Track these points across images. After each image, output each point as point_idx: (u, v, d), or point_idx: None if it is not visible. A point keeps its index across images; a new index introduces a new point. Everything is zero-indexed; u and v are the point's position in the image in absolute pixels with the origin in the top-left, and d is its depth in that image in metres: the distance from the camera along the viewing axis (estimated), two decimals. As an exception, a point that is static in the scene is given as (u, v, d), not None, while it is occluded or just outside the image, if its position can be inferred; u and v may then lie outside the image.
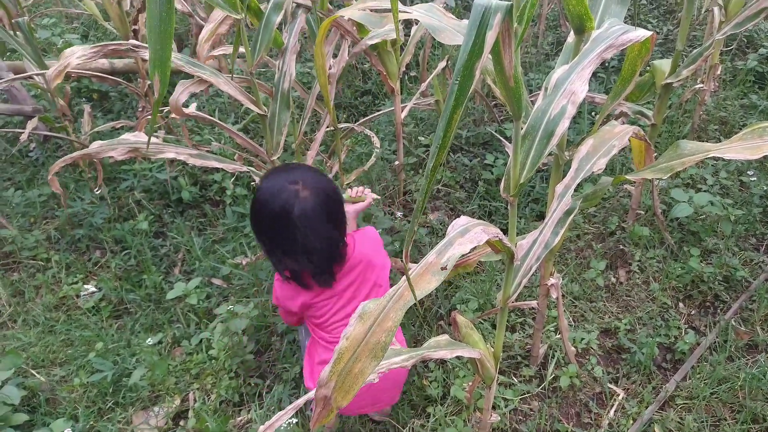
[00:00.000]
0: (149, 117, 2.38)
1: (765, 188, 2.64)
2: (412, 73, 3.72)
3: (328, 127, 2.24)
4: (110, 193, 2.77)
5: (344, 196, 1.70)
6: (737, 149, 1.18)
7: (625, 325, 2.11)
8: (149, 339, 2.09)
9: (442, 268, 0.92)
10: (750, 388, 1.87)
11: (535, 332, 1.92)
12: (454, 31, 1.22)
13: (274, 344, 2.09)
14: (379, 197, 1.73)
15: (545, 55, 3.90)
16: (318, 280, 1.51)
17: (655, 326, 2.13)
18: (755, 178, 2.74)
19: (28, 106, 2.83)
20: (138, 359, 2.03)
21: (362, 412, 1.79)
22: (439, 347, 1.21)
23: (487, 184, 2.78)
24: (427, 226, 2.58)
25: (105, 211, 2.64)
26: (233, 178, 2.80)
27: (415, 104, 2.59)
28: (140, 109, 2.98)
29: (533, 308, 1.77)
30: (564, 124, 0.96)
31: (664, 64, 2.03)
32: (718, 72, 2.79)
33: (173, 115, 1.84)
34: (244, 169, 1.83)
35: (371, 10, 1.81)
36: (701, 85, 2.72)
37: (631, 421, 1.82)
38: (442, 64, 2.57)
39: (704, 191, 2.61)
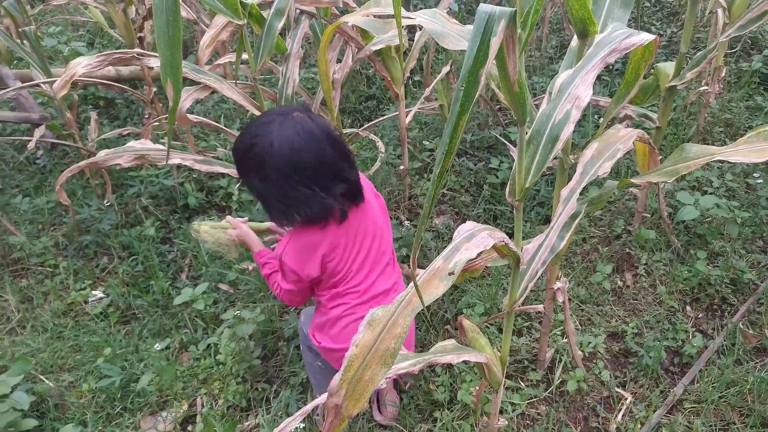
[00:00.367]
0: (155, 124, 2.39)
1: (771, 190, 2.63)
2: (417, 78, 3.73)
3: (332, 132, 2.24)
4: (117, 199, 2.79)
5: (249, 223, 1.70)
6: (743, 152, 1.18)
7: (632, 328, 2.10)
8: (157, 344, 2.11)
9: (450, 274, 0.92)
10: (759, 391, 1.85)
11: (541, 336, 1.91)
12: (457, 37, 1.22)
13: (281, 349, 2.10)
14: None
15: (549, 58, 3.90)
16: (350, 204, 1.44)
17: (663, 330, 2.12)
18: (761, 181, 2.73)
19: (35, 113, 2.85)
20: (146, 364, 2.04)
21: None
22: (445, 352, 1.21)
23: (492, 188, 2.78)
24: (433, 231, 2.58)
25: (112, 217, 2.66)
26: (239, 184, 2.81)
27: (419, 109, 2.59)
28: (146, 116, 3.00)
29: (540, 312, 1.76)
30: (568, 129, 0.97)
31: (669, 67, 2.02)
32: (723, 74, 2.78)
33: (178, 123, 1.85)
34: (250, 174, 1.84)
35: (375, 16, 1.83)
36: (706, 88, 2.71)
37: (639, 426, 1.81)
38: (446, 69, 2.58)
39: (710, 194, 2.60)
